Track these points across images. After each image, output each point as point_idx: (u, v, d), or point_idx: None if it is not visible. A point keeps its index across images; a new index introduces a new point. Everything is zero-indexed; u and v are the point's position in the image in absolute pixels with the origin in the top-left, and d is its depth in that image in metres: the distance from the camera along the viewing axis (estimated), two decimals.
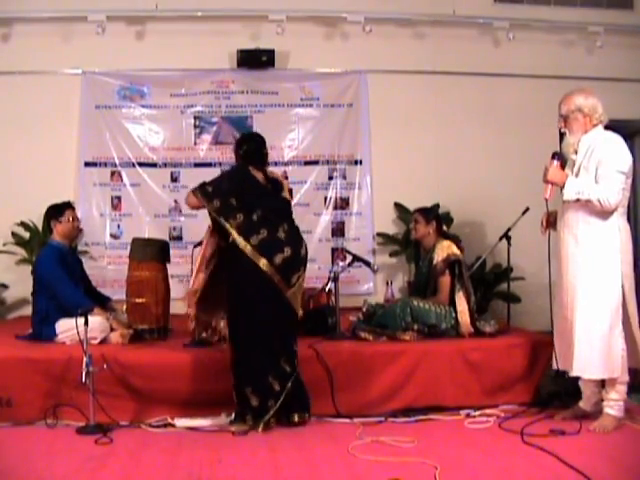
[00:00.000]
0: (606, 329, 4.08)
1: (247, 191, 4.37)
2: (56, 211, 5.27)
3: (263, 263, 4.17)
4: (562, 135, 4.38)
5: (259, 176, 4.45)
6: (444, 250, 5.23)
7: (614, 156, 4.13)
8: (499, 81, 7.56)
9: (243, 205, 4.29)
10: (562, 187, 4.16)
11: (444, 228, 5.55)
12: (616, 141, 4.20)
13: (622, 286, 4.12)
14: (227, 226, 4.24)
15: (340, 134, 7.45)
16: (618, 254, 4.12)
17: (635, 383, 4.46)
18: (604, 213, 4.11)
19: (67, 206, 5.29)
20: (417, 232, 5.47)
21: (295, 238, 4.37)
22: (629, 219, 4.40)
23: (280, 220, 4.36)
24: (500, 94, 7.54)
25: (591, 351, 4.09)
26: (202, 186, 4.38)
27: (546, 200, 4.28)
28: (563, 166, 4.33)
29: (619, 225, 4.16)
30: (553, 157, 4.27)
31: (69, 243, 5.38)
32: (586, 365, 4.12)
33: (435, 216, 5.53)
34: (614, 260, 4.11)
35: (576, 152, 4.27)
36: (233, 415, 4.20)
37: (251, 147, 4.54)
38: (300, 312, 4.29)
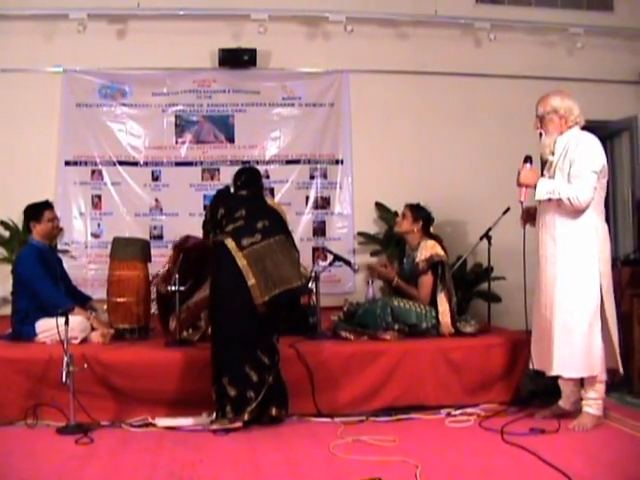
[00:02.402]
0: (585, 328, 4.11)
1: (231, 200, 4.62)
2: (34, 211, 5.21)
3: (231, 245, 4.27)
4: (542, 136, 4.42)
5: (242, 192, 4.66)
6: (428, 250, 5.22)
7: (586, 155, 4.15)
8: (480, 81, 7.58)
9: (227, 212, 4.48)
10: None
11: (431, 229, 5.48)
12: (589, 141, 4.23)
13: (600, 285, 4.15)
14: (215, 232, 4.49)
15: (321, 134, 7.44)
16: (596, 253, 4.15)
17: (613, 382, 4.50)
18: (576, 212, 4.14)
19: (45, 206, 5.24)
20: (400, 227, 5.44)
21: (271, 232, 4.40)
22: (607, 219, 4.43)
23: (261, 216, 4.45)
24: (481, 94, 7.56)
25: (571, 350, 4.12)
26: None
27: (521, 203, 4.32)
28: (543, 167, 4.37)
29: (597, 225, 4.19)
30: (525, 161, 4.31)
31: (49, 242, 5.35)
32: (566, 364, 4.15)
33: (424, 215, 5.47)
34: (592, 259, 4.14)
35: (552, 153, 4.30)
36: (214, 415, 4.19)
37: (237, 177, 4.77)
38: (259, 300, 4.25)
